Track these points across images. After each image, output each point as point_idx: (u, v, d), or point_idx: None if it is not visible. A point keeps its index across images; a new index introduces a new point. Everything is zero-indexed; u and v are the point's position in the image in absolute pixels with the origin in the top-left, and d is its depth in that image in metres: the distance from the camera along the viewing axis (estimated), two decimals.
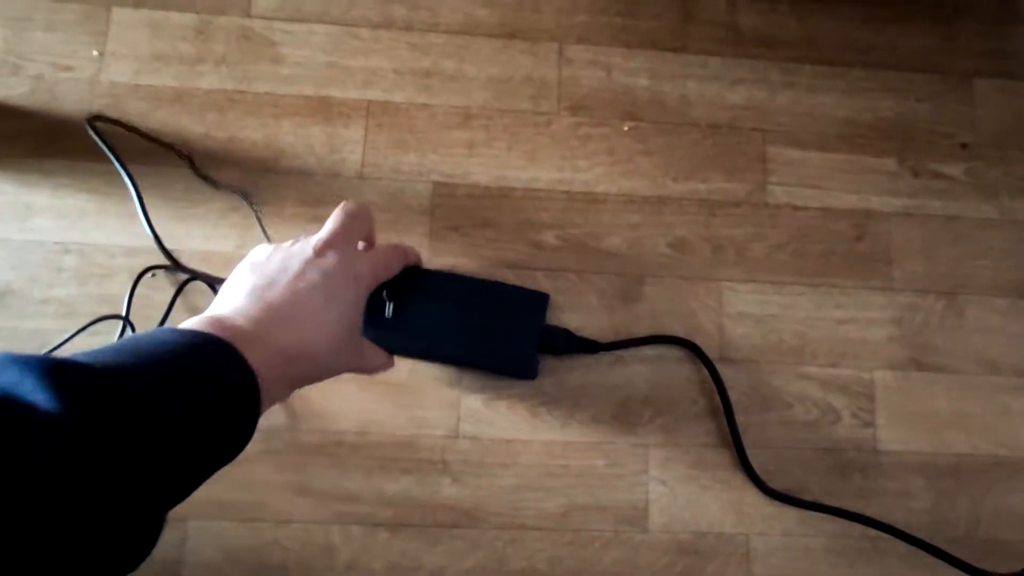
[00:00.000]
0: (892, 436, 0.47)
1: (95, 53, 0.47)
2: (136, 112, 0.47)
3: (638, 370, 0.46)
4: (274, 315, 0.31)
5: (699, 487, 0.45)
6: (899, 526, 0.45)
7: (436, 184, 0.48)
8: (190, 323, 0.30)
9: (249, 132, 0.48)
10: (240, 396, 0.28)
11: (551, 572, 0.44)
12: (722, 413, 0.45)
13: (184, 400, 0.26)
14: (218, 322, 0.30)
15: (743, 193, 0.50)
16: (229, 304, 0.32)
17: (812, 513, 0.45)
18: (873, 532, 0.45)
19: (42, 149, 0.46)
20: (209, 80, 0.48)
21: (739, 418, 0.46)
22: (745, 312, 0.47)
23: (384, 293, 0.42)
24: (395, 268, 0.39)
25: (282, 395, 0.33)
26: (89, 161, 0.46)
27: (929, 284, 0.49)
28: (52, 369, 0.22)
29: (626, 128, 0.50)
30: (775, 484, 0.45)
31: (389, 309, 0.42)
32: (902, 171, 0.51)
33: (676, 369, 0.46)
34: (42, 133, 0.46)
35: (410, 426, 0.45)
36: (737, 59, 0.51)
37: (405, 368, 0.45)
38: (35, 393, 0.21)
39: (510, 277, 0.47)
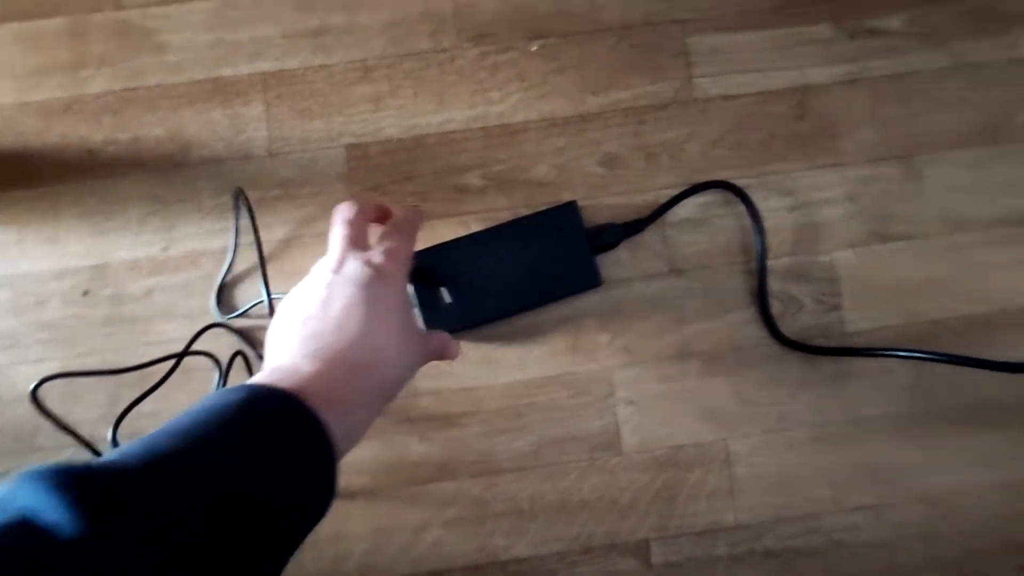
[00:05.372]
0: (860, 316, 0.40)
1: None
2: (33, 131, 0.41)
3: (590, 299, 0.40)
4: (322, 343, 0.27)
5: (669, 401, 0.40)
6: (879, 405, 0.40)
7: (348, 147, 0.41)
8: (253, 381, 0.26)
9: (150, 129, 0.41)
10: (308, 448, 0.24)
11: (534, 508, 0.40)
12: (681, 322, 0.39)
13: (243, 469, 0.22)
14: (273, 373, 0.26)
15: (669, 93, 0.42)
16: (276, 358, 0.28)
17: (789, 409, 0.39)
18: (852, 415, 0.40)
19: None
20: (96, 84, 0.41)
21: (695, 326, 0.40)
22: (688, 218, 0.41)
23: (436, 288, 0.37)
24: (412, 239, 0.33)
25: (368, 418, 0.28)
26: None
27: (882, 151, 0.42)
28: (73, 483, 0.18)
29: (534, 48, 0.42)
30: (747, 382, 0.40)
31: (446, 295, 0.37)
32: (838, 35, 0.42)
33: (626, 292, 0.40)
34: None
35: None
36: None
37: None
38: (55, 512, 0.17)
39: (440, 227, 0.42)
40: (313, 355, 0.27)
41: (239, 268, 0.41)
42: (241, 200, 0.40)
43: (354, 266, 0.29)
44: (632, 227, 0.39)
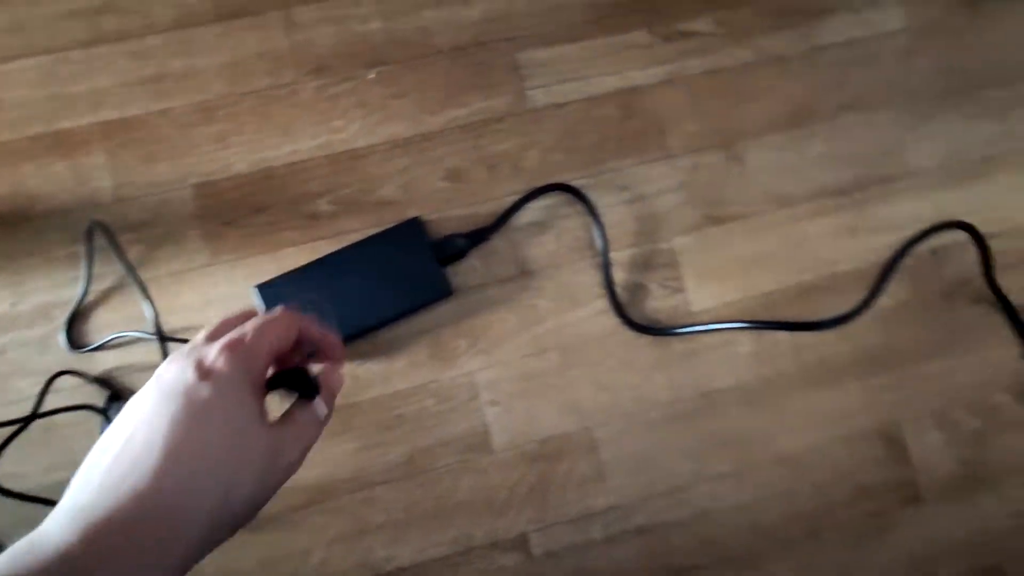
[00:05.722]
0: (703, 295, 0.43)
1: None
2: None
3: (445, 309, 0.41)
4: (102, 492, 0.22)
5: (533, 397, 0.41)
6: (728, 377, 0.41)
7: (196, 186, 0.42)
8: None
9: None
10: None
11: (411, 517, 0.40)
12: (537, 321, 0.41)
13: None
14: (31, 542, 0.21)
15: (504, 106, 0.44)
16: (59, 509, 0.22)
17: (645, 391, 0.41)
18: (703, 389, 0.42)
19: None
20: None
21: (550, 323, 0.42)
22: (534, 222, 0.42)
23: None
24: (268, 334, 0.27)
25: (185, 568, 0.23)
26: None
27: (705, 141, 0.45)
28: None
29: (372, 76, 0.44)
30: (603, 370, 0.41)
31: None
32: (654, 40, 0.46)
33: (480, 298, 0.41)
34: None
35: None
36: None
37: None
38: None
39: (295, 255, 0.43)
40: (83, 514, 0.21)
41: (97, 308, 0.41)
42: (97, 230, 0.40)
43: (173, 371, 0.24)
44: (477, 236, 0.41)
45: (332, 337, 0.30)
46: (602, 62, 0.45)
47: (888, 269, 0.41)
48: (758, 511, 0.42)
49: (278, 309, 0.29)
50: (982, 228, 0.45)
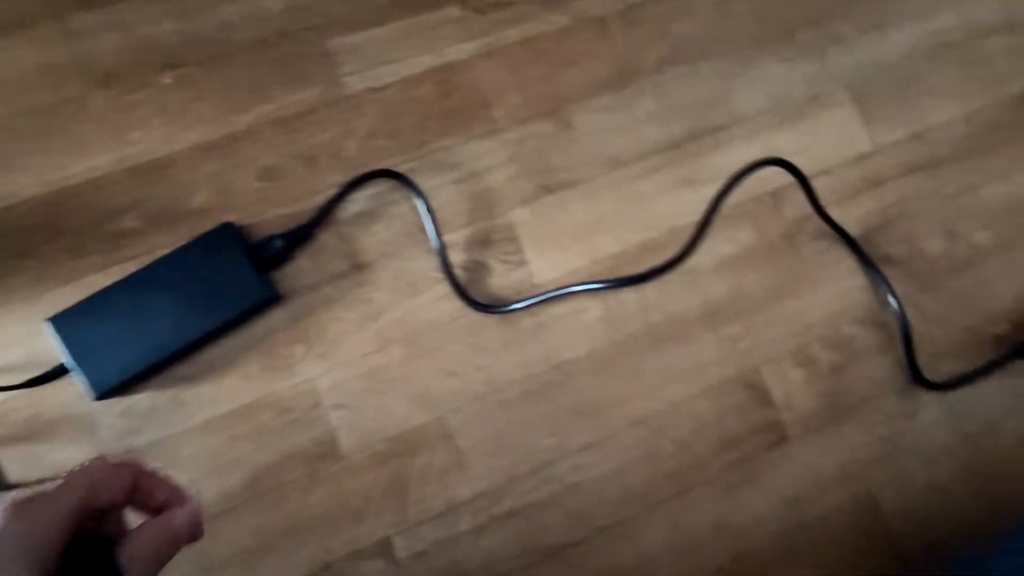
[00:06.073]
0: (546, 265, 0.42)
1: None
2: None
3: (277, 315, 0.38)
4: None
5: (379, 394, 0.39)
6: (579, 346, 0.40)
7: None
8: None
9: None
10: None
11: (262, 542, 0.37)
12: (376, 315, 0.39)
13: None
14: None
15: (317, 96, 0.42)
16: None
17: (496, 371, 0.40)
18: (555, 362, 0.40)
19: None
20: None
21: (390, 315, 0.39)
22: (362, 212, 0.40)
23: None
24: (73, 487, 0.23)
25: None
26: None
27: (531, 111, 0.43)
28: None
29: (168, 81, 0.41)
30: (451, 356, 0.39)
31: None
32: (467, 13, 0.44)
33: (314, 299, 0.39)
34: None
35: (48, 472, 0.36)
36: None
37: (23, 415, 0.36)
38: None
39: (102, 279, 0.39)
40: None
41: None
42: None
43: None
44: (297, 234, 0.39)
45: (177, 490, 0.25)
46: (416, 41, 0.43)
47: (709, 213, 0.41)
48: (625, 477, 0.41)
49: (98, 459, 0.24)
50: (813, 165, 0.46)
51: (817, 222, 0.45)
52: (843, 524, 0.43)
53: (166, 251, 0.38)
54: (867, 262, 0.45)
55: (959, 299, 0.47)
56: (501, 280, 0.42)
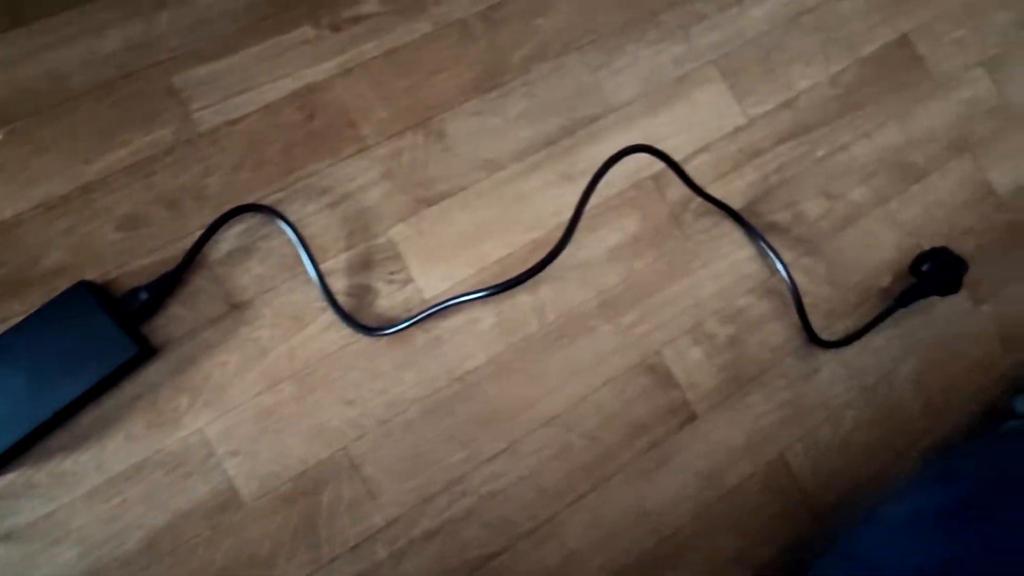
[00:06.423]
0: (434, 279, 0.41)
1: None
2: None
3: (155, 369, 0.37)
4: None
5: (275, 434, 0.38)
6: (477, 355, 0.40)
7: None
8: None
9: None
10: None
11: None
12: (262, 354, 0.37)
13: None
14: None
15: (171, 136, 0.40)
16: None
17: (396, 393, 0.38)
18: (456, 374, 0.40)
19: None
20: None
21: (277, 351, 0.38)
22: (234, 250, 0.38)
23: None
24: None
25: None
26: None
27: (400, 124, 0.42)
28: None
29: (0, 137, 0.40)
30: (347, 385, 0.38)
31: None
32: (321, 32, 0.43)
33: (194, 347, 0.37)
34: None
35: None
36: (80, 6, 0.39)
37: None
38: None
39: None
40: None
41: None
42: None
43: None
44: (162, 283, 0.37)
45: None
46: (271, 66, 0.42)
47: (579, 209, 0.40)
48: (540, 478, 0.41)
49: None
50: (691, 144, 0.47)
51: (700, 200, 0.46)
52: (758, 490, 0.44)
53: (19, 319, 0.36)
54: (753, 232, 0.46)
55: (844, 257, 0.48)
56: (389, 300, 0.41)
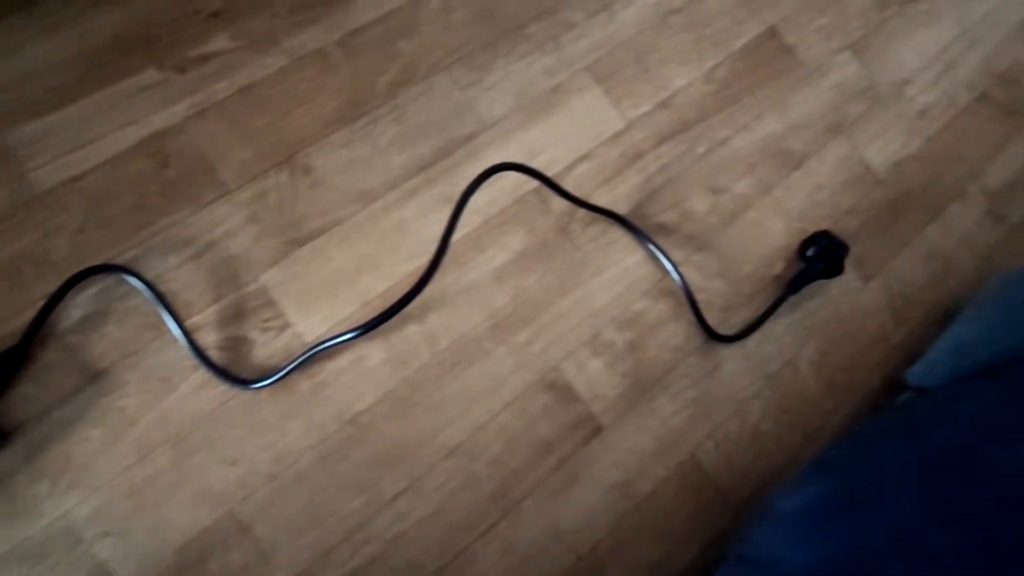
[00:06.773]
0: (313, 321, 0.39)
1: None
2: None
3: (6, 456, 0.33)
4: None
5: (153, 507, 0.35)
6: (367, 394, 0.38)
7: None
8: None
9: None
10: None
11: None
12: (130, 423, 0.34)
13: None
14: None
15: (5, 200, 0.36)
16: None
17: (283, 445, 0.36)
18: (347, 416, 0.38)
19: None
20: None
21: (148, 417, 0.35)
22: (86, 315, 0.35)
23: None
24: None
25: None
26: None
27: (263, 164, 0.40)
28: None
29: None
30: (229, 443, 0.36)
31: None
32: (167, 74, 0.40)
33: (49, 427, 0.34)
34: None
35: None
36: None
37: None
38: None
39: None
40: None
41: None
42: None
43: None
44: (6, 360, 0.34)
45: None
46: (114, 114, 0.39)
47: (448, 233, 0.38)
48: (448, 513, 0.39)
49: None
50: (572, 153, 0.46)
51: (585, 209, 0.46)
52: (673, 493, 0.44)
53: None
54: (640, 235, 0.46)
55: (735, 249, 0.49)
56: (267, 349, 0.39)
